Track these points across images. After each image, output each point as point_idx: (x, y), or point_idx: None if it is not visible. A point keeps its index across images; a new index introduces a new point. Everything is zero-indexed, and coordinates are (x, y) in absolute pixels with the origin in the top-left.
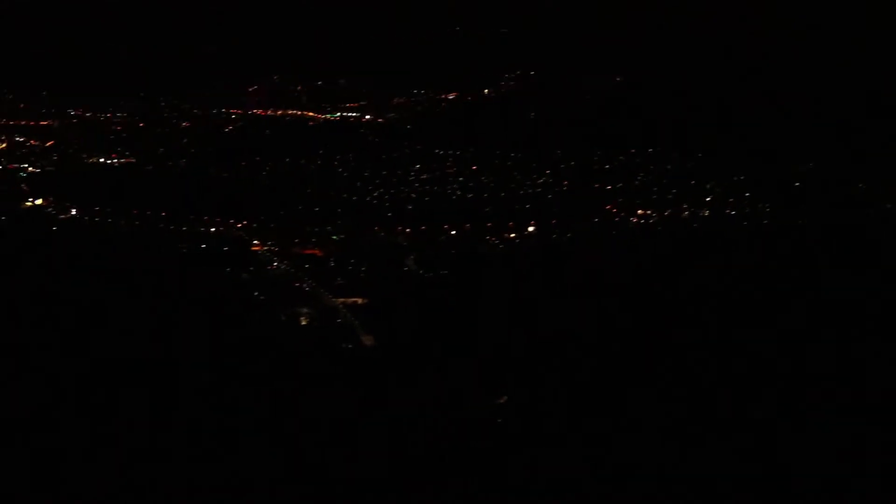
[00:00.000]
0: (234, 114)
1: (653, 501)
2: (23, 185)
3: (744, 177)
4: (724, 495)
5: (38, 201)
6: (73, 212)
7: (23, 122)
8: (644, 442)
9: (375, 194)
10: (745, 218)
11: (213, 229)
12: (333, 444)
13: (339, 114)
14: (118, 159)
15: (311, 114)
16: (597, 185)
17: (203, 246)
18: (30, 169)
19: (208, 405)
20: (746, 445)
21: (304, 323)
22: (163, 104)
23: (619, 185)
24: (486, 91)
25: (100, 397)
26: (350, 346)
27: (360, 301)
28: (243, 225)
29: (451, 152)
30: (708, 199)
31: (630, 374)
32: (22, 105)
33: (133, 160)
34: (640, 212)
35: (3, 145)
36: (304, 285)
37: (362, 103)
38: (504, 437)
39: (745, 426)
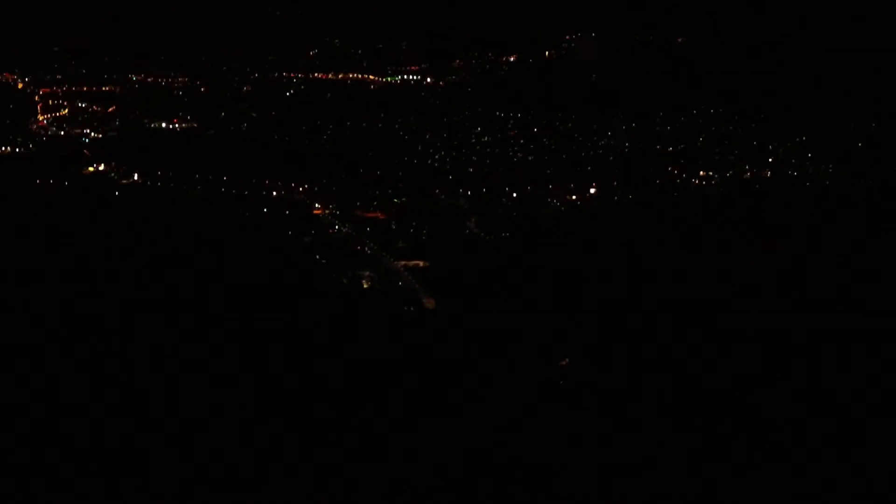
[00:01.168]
0: (295, 78)
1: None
2: (85, 151)
3: (805, 138)
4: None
5: (101, 166)
6: (136, 176)
7: (85, 88)
8: (711, 395)
9: (437, 157)
10: (808, 179)
11: (274, 193)
12: (396, 407)
13: (399, 77)
14: (180, 124)
15: (371, 77)
16: (658, 147)
17: (265, 210)
18: (92, 134)
19: (270, 368)
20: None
21: (365, 286)
22: (224, 69)
23: (680, 147)
24: (547, 53)
25: (165, 361)
26: (411, 308)
27: (421, 264)
28: (305, 189)
29: (512, 115)
30: (770, 160)
31: (694, 336)
32: (84, 71)
33: (195, 125)
34: (701, 173)
35: (66, 111)
36: (366, 248)
37: (423, 66)
38: (564, 401)
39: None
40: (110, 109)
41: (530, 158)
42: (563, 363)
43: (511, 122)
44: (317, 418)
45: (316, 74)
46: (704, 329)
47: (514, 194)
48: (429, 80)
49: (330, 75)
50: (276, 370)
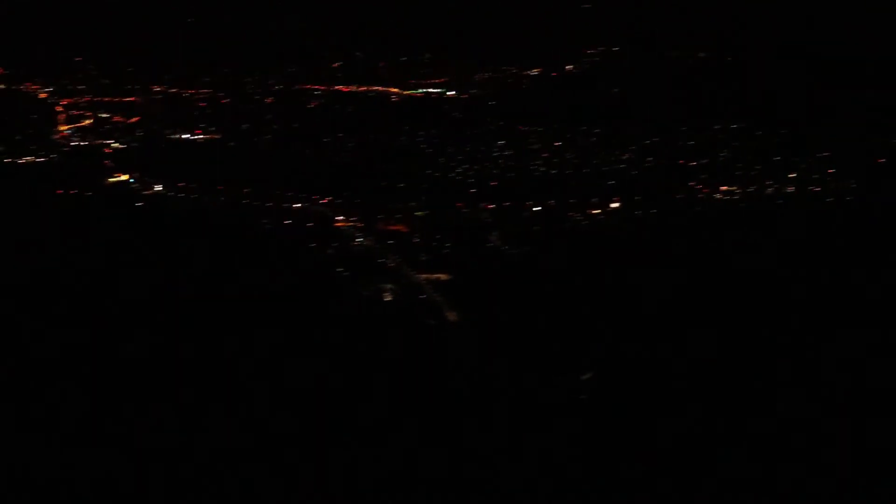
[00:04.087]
0: (317, 90)
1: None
2: (107, 161)
3: (828, 153)
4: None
5: (123, 177)
6: (158, 187)
7: (107, 99)
8: (733, 412)
9: (459, 170)
10: (830, 194)
11: (296, 205)
12: (418, 420)
13: (422, 90)
14: (202, 135)
15: (394, 90)
16: (681, 161)
17: (287, 222)
18: (114, 145)
19: (290, 379)
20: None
21: (387, 299)
22: (247, 80)
23: (703, 161)
24: (569, 66)
25: (183, 370)
26: (434, 322)
27: (443, 277)
28: (327, 201)
29: (534, 128)
30: (792, 175)
31: (715, 352)
32: (106, 81)
33: (217, 136)
34: (723, 188)
35: (89, 121)
36: (388, 261)
37: (445, 79)
38: (589, 414)
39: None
40: (132, 120)
41: (553, 172)
42: (587, 377)
43: (533, 135)
44: (335, 432)
45: (338, 87)
46: (729, 342)
47: (537, 208)
48: (451, 93)
49: (352, 87)
50: (297, 383)
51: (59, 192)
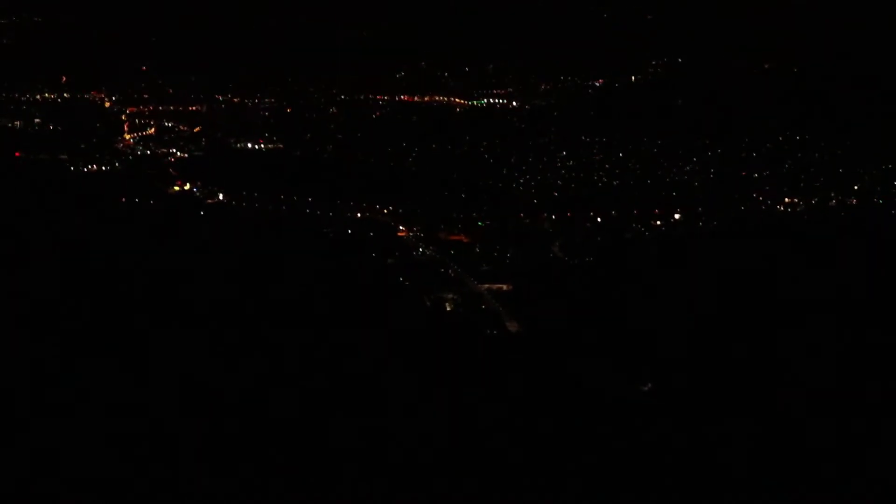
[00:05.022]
0: (381, 100)
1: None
2: (171, 170)
3: (892, 165)
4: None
5: (186, 186)
6: (221, 196)
7: (171, 108)
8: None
9: (521, 181)
10: (894, 206)
11: (359, 214)
12: (477, 427)
13: (485, 100)
14: (266, 144)
15: (458, 100)
16: (744, 173)
17: (349, 231)
18: (178, 154)
19: (351, 388)
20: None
21: (448, 308)
22: (310, 90)
23: (766, 173)
24: (633, 77)
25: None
26: (495, 332)
27: (505, 287)
28: (389, 210)
29: (597, 139)
30: (856, 187)
31: (773, 364)
32: (170, 90)
33: (281, 145)
34: (787, 200)
35: (152, 130)
36: (450, 271)
37: (509, 90)
38: (648, 424)
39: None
40: (196, 129)
41: (615, 183)
42: (647, 387)
43: (596, 146)
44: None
45: (402, 96)
46: (789, 352)
47: (599, 219)
48: (514, 103)
49: (416, 98)
50: (361, 391)
51: (122, 199)
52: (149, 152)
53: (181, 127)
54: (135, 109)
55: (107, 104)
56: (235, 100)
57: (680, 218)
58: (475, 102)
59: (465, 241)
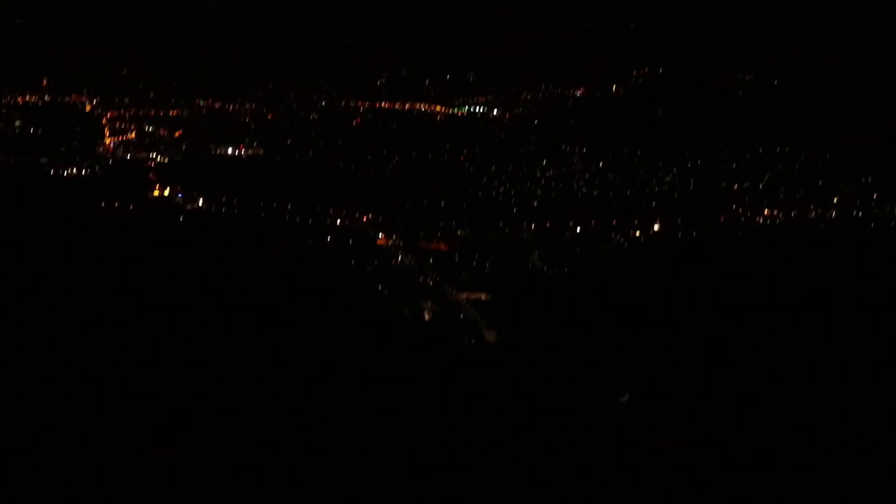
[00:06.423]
0: (361, 107)
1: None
2: (151, 175)
3: (871, 178)
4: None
5: (166, 191)
6: (200, 202)
7: (151, 113)
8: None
9: (501, 190)
10: (873, 219)
11: (338, 222)
12: (456, 436)
13: (466, 108)
14: (246, 150)
15: (438, 108)
16: (723, 184)
17: (328, 238)
18: (158, 158)
19: (328, 396)
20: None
21: (427, 317)
22: (291, 96)
23: (745, 185)
24: (613, 87)
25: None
26: (473, 341)
27: (483, 297)
28: (369, 218)
29: (577, 149)
30: (835, 199)
31: (755, 375)
32: (151, 95)
33: (261, 151)
34: (766, 212)
35: (132, 135)
36: (429, 280)
37: (490, 98)
38: (625, 435)
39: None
40: (177, 134)
41: (595, 193)
42: (625, 399)
43: (577, 155)
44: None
45: (383, 103)
46: (772, 366)
47: (578, 228)
48: (495, 111)
49: (397, 105)
50: (334, 401)
51: (102, 204)
52: (129, 157)
53: (162, 131)
54: (115, 113)
55: (87, 108)
56: (216, 105)
57: (659, 229)
58: (456, 110)
59: (444, 249)
